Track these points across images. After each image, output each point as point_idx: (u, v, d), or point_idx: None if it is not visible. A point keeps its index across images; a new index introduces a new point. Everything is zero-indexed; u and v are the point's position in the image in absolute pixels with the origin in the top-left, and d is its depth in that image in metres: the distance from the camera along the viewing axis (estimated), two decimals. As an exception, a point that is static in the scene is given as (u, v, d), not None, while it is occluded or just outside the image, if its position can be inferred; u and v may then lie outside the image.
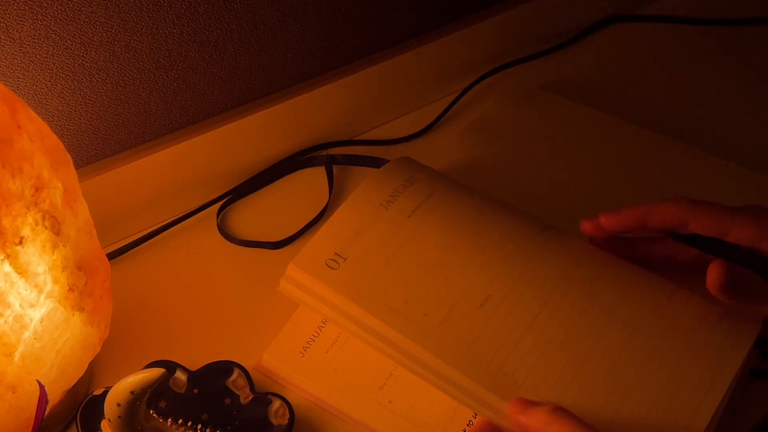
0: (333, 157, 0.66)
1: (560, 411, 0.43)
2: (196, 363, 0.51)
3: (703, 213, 0.49)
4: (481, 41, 0.72)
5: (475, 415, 0.48)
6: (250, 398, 0.50)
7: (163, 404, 0.50)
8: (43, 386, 0.43)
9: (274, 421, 0.49)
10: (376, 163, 0.65)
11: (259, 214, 0.64)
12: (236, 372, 0.51)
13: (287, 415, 0.49)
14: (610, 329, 0.48)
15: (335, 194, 0.64)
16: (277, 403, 0.50)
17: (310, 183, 0.66)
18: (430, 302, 0.49)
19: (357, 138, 0.70)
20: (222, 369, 0.51)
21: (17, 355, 0.40)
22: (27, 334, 0.40)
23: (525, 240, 0.53)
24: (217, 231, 0.62)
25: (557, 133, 0.67)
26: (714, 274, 0.47)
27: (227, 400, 0.50)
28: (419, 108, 0.72)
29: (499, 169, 0.63)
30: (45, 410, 0.45)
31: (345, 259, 0.51)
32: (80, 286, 0.43)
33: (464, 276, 0.51)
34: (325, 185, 0.65)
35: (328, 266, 0.51)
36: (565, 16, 0.78)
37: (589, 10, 0.79)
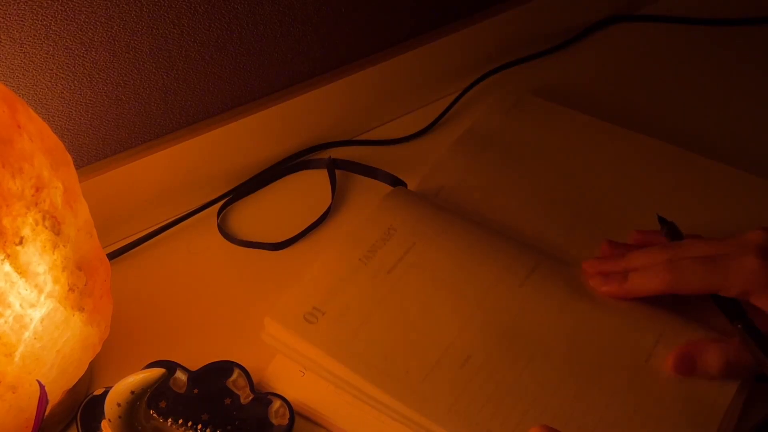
0: (335, 161, 0.66)
1: None
2: (196, 363, 0.51)
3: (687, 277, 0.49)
4: (481, 41, 0.72)
5: None
6: (250, 398, 0.50)
7: (163, 404, 0.50)
8: (43, 386, 0.43)
9: (274, 421, 0.49)
10: (374, 173, 0.65)
11: (260, 215, 0.64)
12: (236, 372, 0.51)
13: (287, 415, 0.49)
14: (589, 394, 0.48)
15: (337, 197, 0.64)
16: (277, 403, 0.50)
17: (312, 184, 0.66)
18: (410, 360, 0.49)
19: (357, 138, 0.70)
20: (222, 369, 0.51)
21: (17, 355, 0.40)
22: (27, 334, 0.40)
23: (506, 294, 0.52)
24: (217, 231, 0.62)
25: (548, 141, 0.66)
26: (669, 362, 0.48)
27: (227, 400, 0.50)
28: (419, 108, 0.72)
29: (491, 180, 0.63)
30: (45, 410, 0.45)
31: (323, 314, 0.51)
32: (80, 286, 0.43)
33: (445, 334, 0.50)
34: (326, 187, 0.65)
35: (306, 320, 0.51)
36: (565, 16, 0.78)
37: (589, 10, 0.79)
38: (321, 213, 0.63)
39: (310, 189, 0.65)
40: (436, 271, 0.54)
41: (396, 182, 0.63)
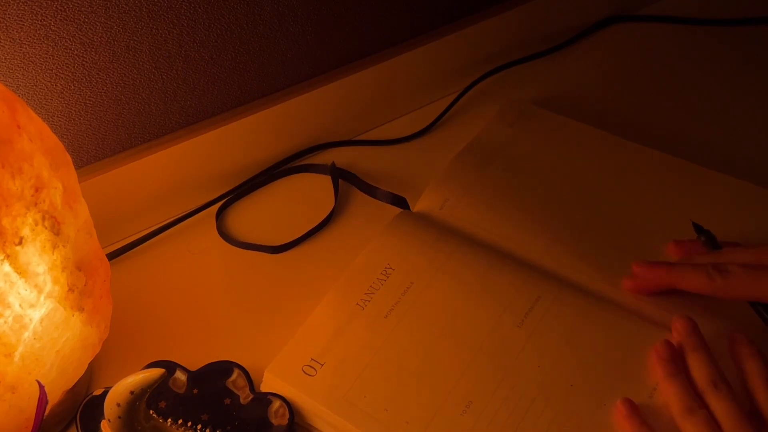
0: (338, 169, 0.65)
1: None
2: (195, 363, 0.51)
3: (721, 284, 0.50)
4: (481, 41, 0.72)
5: None
6: (249, 398, 0.50)
7: (162, 404, 0.50)
8: (43, 386, 0.43)
9: (274, 421, 0.49)
10: (373, 192, 0.64)
11: (261, 216, 0.64)
12: (236, 372, 0.51)
13: (287, 415, 0.49)
14: None
15: (340, 202, 0.64)
16: (276, 403, 0.50)
17: (314, 186, 0.66)
18: (411, 409, 0.49)
19: (357, 138, 0.70)
20: (222, 369, 0.51)
21: (17, 355, 0.40)
22: (27, 334, 0.40)
23: (506, 336, 0.52)
24: (217, 232, 0.62)
25: (554, 154, 0.65)
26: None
27: (227, 400, 0.50)
28: (419, 108, 0.72)
29: (496, 193, 0.62)
30: (45, 410, 0.45)
31: (322, 365, 0.51)
32: (80, 286, 0.43)
33: (445, 381, 0.50)
34: (328, 190, 0.65)
35: (305, 373, 0.50)
36: (565, 16, 0.78)
37: (590, 10, 0.79)
38: (322, 217, 0.63)
39: (312, 191, 0.65)
40: (433, 314, 0.53)
41: (396, 200, 0.62)
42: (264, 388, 0.51)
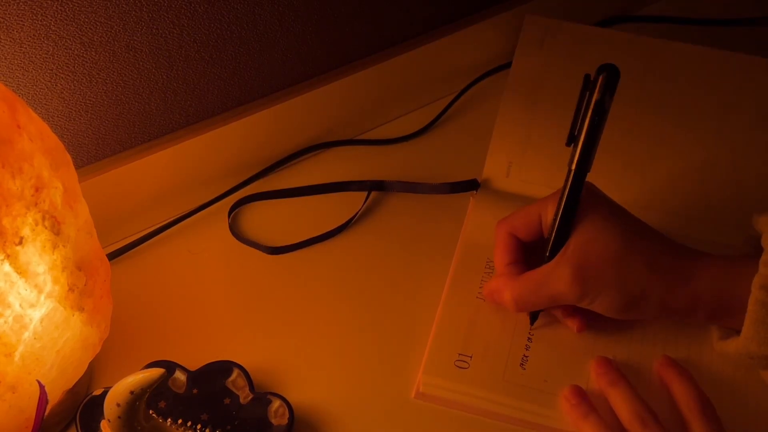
0: (378, 182, 0.65)
1: None
2: (195, 363, 0.51)
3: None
4: (481, 41, 0.72)
5: None
6: (249, 398, 0.50)
7: (162, 404, 0.50)
8: (43, 386, 0.43)
9: (274, 421, 0.49)
10: (435, 188, 0.64)
11: (263, 217, 0.64)
12: (236, 372, 0.51)
13: (287, 415, 0.49)
14: None
15: (357, 220, 0.64)
16: (276, 403, 0.50)
17: (339, 199, 0.65)
18: (564, 372, 0.52)
19: (357, 138, 0.70)
20: (221, 369, 0.51)
21: (17, 355, 0.40)
22: (27, 334, 0.40)
23: None
24: (217, 231, 0.62)
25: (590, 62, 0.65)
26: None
27: (227, 400, 0.50)
28: (419, 108, 0.72)
29: (554, 137, 0.61)
30: (45, 410, 0.45)
31: (471, 357, 0.53)
32: (80, 286, 0.43)
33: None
34: (341, 195, 0.65)
35: (459, 367, 0.53)
36: (565, 16, 0.78)
37: (589, 11, 0.79)
38: (325, 221, 0.63)
39: (336, 203, 0.65)
40: None
41: (466, 186, 0.63)
42: (424, 389, 0.53)
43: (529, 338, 0.54)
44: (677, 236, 0.53)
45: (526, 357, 0.53)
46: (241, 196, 0.64)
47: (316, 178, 0.66)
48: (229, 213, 0.63)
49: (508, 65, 0.74)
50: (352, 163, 0.67)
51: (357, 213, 0.63)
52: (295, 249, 0.61)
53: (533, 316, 0.55)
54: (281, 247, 0.61)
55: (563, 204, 0.51)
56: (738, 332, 0.49)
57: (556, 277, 0.50)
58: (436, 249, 0.61)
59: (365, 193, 0.64)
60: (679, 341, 0.54)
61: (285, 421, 0.49)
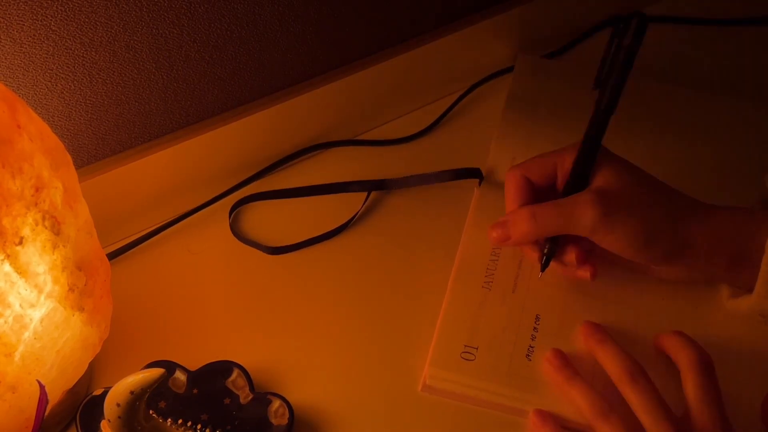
0: (380, 181, 0.65)
1: None
2: (195, 363, 0.51)
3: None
4: (482, 42, 0.72)
5: None
6: (249, 398, 0.50)
7: (162, 404, 0.50)
8: (43, 386, 0.43)
9: (274, 421, 0.49)
10: (439, 176, 0.64)
11: (266, 217, 0.64)
12: (236, 372, 0.51)
13: (287, 415, 0.49)
14: None
15: (357, 220, 0.64)
16: (276, 403, 0.50)
17: (339, 199, 0.65)
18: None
19: (357, 138, 0.70)
20: (221, 369, 0.51)
21: (17, 355, 0.40)
22: (27, 334, 0.40)
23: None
24: (217, 231, 0.62)
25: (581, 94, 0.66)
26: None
27: (227, 400, 0.50)
28: (420, 108, 0.72)
29: (556, 137, 0.62)
30: (45, 410, 0.45)
31: (476, 348, 0.54)
32: (80, 286, 0.43)
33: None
34: (341, 196, 0.65)
35: (465, 359, 0.53)
36: (566, 17, 0.78)
37: (590, 11, 0.79)
38: (327, 221, 0.63)
39: (335, 202, 0.65)
40: (555, 280, 0.57)
41: (469, 173, 0.63)
42: (430, 381, 0.52)
43: (535, 328, 0.55)
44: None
45: (532, 348, 0.53)
46: (241, 196, 0.64)
47: (316, 178, 0.66)
48: (230, 213, 0.63)
49: (509, 69, 0.74)
50: (353, 163, 0.67)
51: (357, 213, 0.63)
52: (296, 249, 0.61)
53: (546, 261, 0.54)
54: (281, 247, 0.61)
55: (587, 145, 0.52)
56: (749, 291, 0.50)
57: (579, 201, 0.51)
58: (438, 248, 0.61)
59: (365, 194, 0.64)
60: (685, 324, 0.54)
61: (285, 421, 0.49)
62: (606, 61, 0.53)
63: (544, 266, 0.54)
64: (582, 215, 0.50)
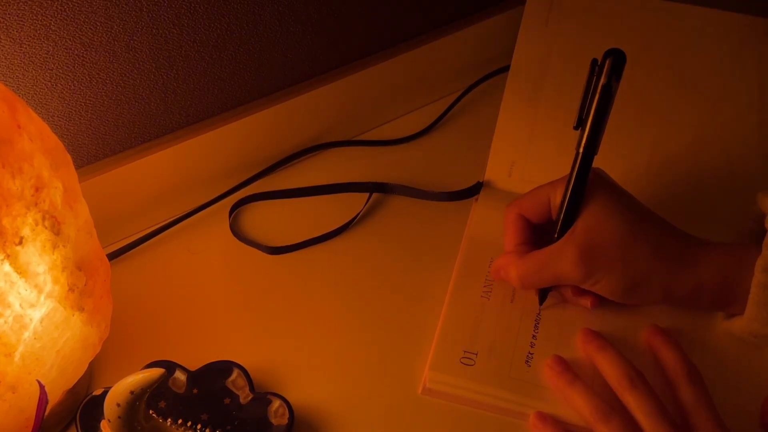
0: (380, 184, 0.65)
1: None
2: (195, 363, 0.51)
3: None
4: (482, 42, 0.72)
5: None
6: (249, 398, 0.50)
7: (162, 404, 0.50)
8: (43, 386, 0.43)
9: (274, 421, 0.49)
10: (433, 195, 0.64)
11: (267, 217, 0.64)
12: (236, 372, 0.51)
13: (287, 415, 0.49)
14: None
15: (358, 221, 0.64)
16: (276, 403, 0.50)
17: (340, 200, 0.65)
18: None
19: (357, 138, 0.70)
20: (221, 369, 0.51)
21: (17, 355, 0.40)
22: (27, 334, 0.40)
23: None
24: (217, 231, 0.62)
25: (598, 40, 0.65)
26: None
27: (227, 400, 0.50)
28: (419, 108, 0.72)
29: (557, 139, 0.63)
30: (45, 410, 0.45)
31: (476, 354, 0.54)
32: (80, 286, 0.43)
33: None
34: (342, 196, 0.65)
35: (465, 364, 0.53)
36: None
37: None
38: (326, 222, 0.63)
39: (337, 203, 0.65)
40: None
41: (468, 192, 0.63)
42: (430, 385, 0.53)
43: (534, 335, 0.55)
44: (676, 218, 0.54)
45: (531, 354, 0.54)
46: (242, 196, 0.64)
47: (316, 178, 0.66)
48: (230, 213, 0.63)
49: (509, 67, 0.74)
50: (353, 163, 0.67)
51: (358, 214, 0.63)
52: (296, 249, 0.61)
53: (542, 297, 0.55)
54: (282, 247, 0.61)
55: (571, 186, 0.52)
56: (742, 313, 0.51)
57: (562, 256, 0.51)
58: (438, 250, 0.61)
59: (366, 194, 0.64)
60: (683, 331, 0.54)
61: (285, 421, 0.49)
62: (585, 101, 0.52)
63: (541, 302, 0.56)
64: (566, 272, 0.51)
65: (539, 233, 0.55)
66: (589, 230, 0.51)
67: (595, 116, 0.51)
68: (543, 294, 0.56)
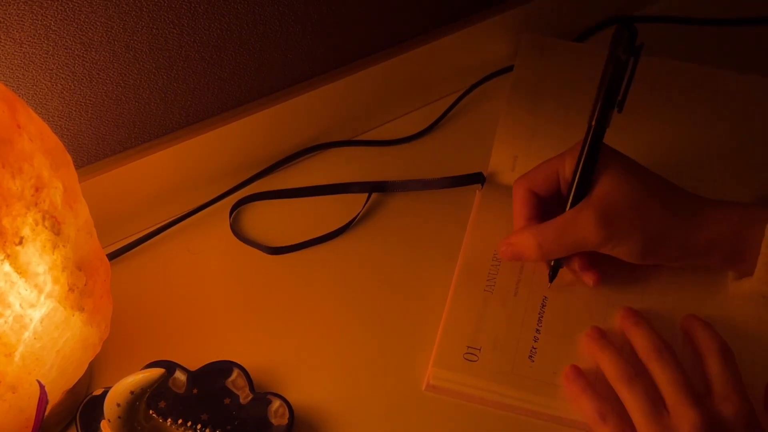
0: (381, 183, 0.65)
1: None
2: (195, 363, 0.51)
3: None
4: (482, 42, 0.72)
5: None
6: (249, 398, 0.50)
7: (162, 404, 0.50)
8: (43, 386, 0.43)
9: (274, 421, 0.49)
10: (439, 183, 0.64)
11: (268, 217, 0.64)
12: (236, 372, 0.51)
13: (287, 415, 0.49)
14: None
15: (358, 221, 0.64)
16: (276, 403, 0.50)
17: (340, 200, 0.65)
18: (559, 364, 0.53)
19: (357, 138, 0.70)
20: (221, 369, 0.51)
21: (17, 355, 0.40)
22: (27, 334, 0.40)
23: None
24: (218, 231, 0.62)
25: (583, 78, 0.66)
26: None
27: (227, 400, 0.50)
28: (420, 108, 0.72)
29: (559, 135, 0.63)
30: (45, 410, 0.45)
31: (479, 349, 0.54)
32: (80, 286, 0.43)
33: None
34: (343, 197, 0.65)
35: (468, 360, 0.53)
36: (566, 17, 0.78)
37: (590, 11, 0.79)
38: (328, 222, 0.63)
39: (337, 204, 0.65)
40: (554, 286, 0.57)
41: (471, 179, 0.63)
42: (434, 381, 0.53)
43: (537, 330, 0.55)
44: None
45: (535, 349, 0.54)
46: (242, 196, 0.64)
47: (316, 178, 0.66)
48: (230, 213, 0.63)
49: (510, 68, 0.74)
50: (353, 163, 0.67)
51: (358, 214, 0.63)
52: (296, 249, 0.61)
53: (553, 272, 0.56)
54: (282, 247, 0.61)
55: (584, 159, 0.53)
56: (752, 274, 0.52)
57: (581, 221, 0.52)
58: (439, 249, 0.61)
59: (366, 194, 0.64)
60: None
61: (285, 421, 0.49)
62: (603, 75, 0.53)
63: (552, 278, 0.56)
64: (586, 237, 0.52)
65: (546, 211, 0.56)
66: (606, 195, 0.52)
67: (607, 86, 0.52)
68: (554, 270, 0.56)
